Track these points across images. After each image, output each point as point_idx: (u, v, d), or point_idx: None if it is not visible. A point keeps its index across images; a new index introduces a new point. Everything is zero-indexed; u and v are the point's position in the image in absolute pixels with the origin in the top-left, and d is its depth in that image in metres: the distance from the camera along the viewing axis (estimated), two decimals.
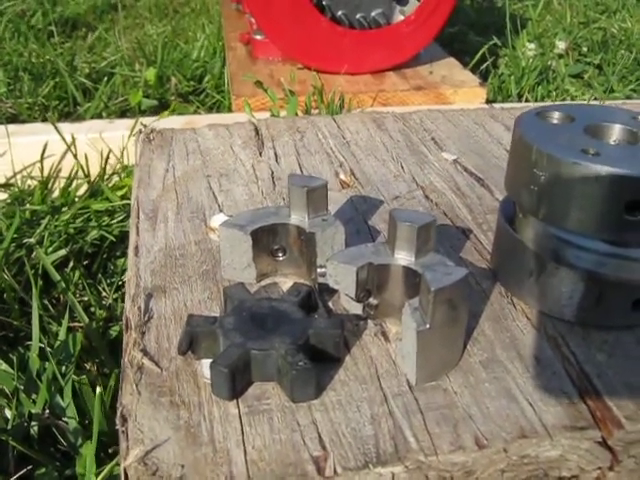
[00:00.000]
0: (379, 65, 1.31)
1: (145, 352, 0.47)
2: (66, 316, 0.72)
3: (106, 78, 1.40)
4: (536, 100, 1.42)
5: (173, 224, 0.60)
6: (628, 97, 1.44)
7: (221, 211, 0.62)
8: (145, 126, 0.87)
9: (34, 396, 0.65)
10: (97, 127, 1.10)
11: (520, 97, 1.41)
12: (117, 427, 0.42)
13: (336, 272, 0.48)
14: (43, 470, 0.61)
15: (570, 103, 0.50)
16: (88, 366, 0.75)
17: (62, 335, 0.71)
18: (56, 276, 0.81)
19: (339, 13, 1.29)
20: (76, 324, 0.80)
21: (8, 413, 0.64)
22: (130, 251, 0.57)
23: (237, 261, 0.52)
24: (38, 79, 1.41)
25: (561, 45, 1.69)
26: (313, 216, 0.52)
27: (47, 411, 0.65)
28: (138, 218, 0.61)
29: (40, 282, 0.83)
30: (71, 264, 0.89)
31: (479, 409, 0.43)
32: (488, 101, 1.32)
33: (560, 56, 1.66)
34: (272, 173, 0.68)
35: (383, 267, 0.48)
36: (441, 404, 0.43)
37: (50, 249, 0.89)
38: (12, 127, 1.08)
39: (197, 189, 0.65)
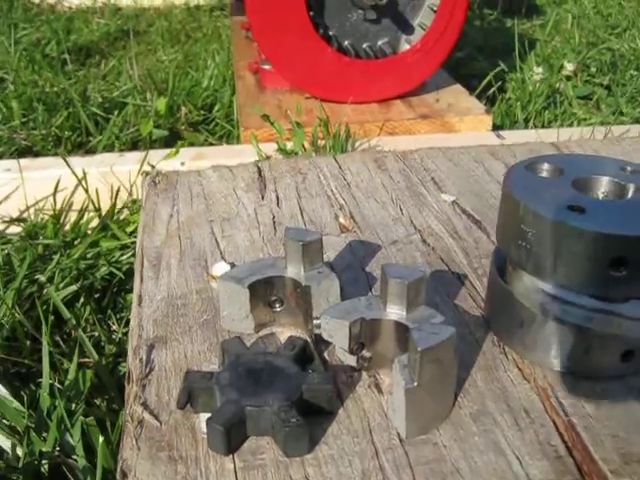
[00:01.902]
0: (386, 94, 1.32)
1: (145, 405, 0.48)
2: (76, 354, 0.73)
3: (118, 108, 1.43)
4: (543, 125, 1.42)
5: (176, 272, 0.62)
6: (637, 120, 1.44)
7: (222, 258, 0.64)
8: (153, 167, 0.89)
9: (45, 434, 0.67)
10: (108, 161, 1.12)
11: (527, 122, 1.42)
12: None
13: (329, 326, 0.49)
14: None
15: (559, 155, 0.51)
16: (98, 402, 0.77)
17: (72, 373, 0.73)
18: (66, 314, 0.83)
19: (346, 43, 1.31)
20: (86, 360, 0.82)
21: (19, 451, 0.65)
22: (134, 300, 0.59)
23: (236, 312, 0.54)
24: (52, 109, 1.44)
25: (569, 67, 1.70)
26: (309, 269, 0.53)
27: (57, 449, 0.66)
28: (142, 265, 0.63)
29: (52, 318, 0.85)
30: (82, 300, 0.91)
31: (467, 463, 0.44)
32: (494, 127, 1.33)
33: (568, 78, 1.67)
34: (273, 218, 0.70)
35: (375, 322, 0.49)
36: (430, 458, 0.44)
37: (61, 285, 0.91)
38: (25, 161, 1.11)
39: (200, 235, 0.67)
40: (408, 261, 0.63)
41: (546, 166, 0.53)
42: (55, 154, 1.23)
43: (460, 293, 0.59)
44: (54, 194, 1.05)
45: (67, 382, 0.73)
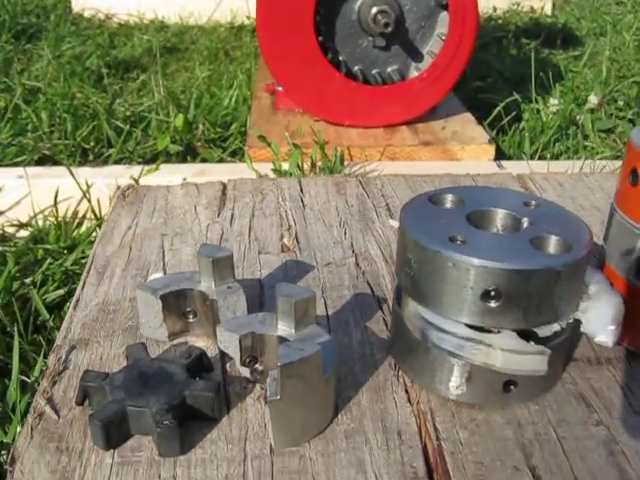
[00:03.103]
0: (392, 120, 1.35)
1: (49, 400, 0.52)
2: (41, 353, 0.78)
3: (141, 122, 1.49)
4: (552, 157, 1.42)
5: (117, 280, 0.66)
6: None
7: (164, 270, 0.67)
8: (136, 181, 0.94)
9: (8, 426, 0.71)
10: (114, 173, 1.18)
11: (535, 154, 1.42)
12: (5, 467, 0.48)
13: (224, 338, 0.52)
14: None
15: (466, 186, 0.53)
16: None
17: (37, 370, 0.78)
18: (45, 315, 0.88)
19: (355, 68, 1.34)
20: None
21: None
22: (71, 304, 0.63)
23: (151, 321, 0.57)
24: (79, 121, 1.51)
25: (594, 100, 1.69)
26: (219, 283, 0.56)
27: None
28: (88, 273, 0.67)
29: (40, 319, 0.90)
30: (67, 304, 0.96)
31: (327, 477, 0.46)
32: (502, 157, 1.34)
33: (591, 111, 1.66)
34: (222, 234, 0.73)
35: (264, 336, 0.52)
36: (293, 469, 0.47)
37: (51, 288, 0.97)
38: (34, 170, 1.17)
39: (149, 247, 0.71)
40: (335, 282, 0.66)
41: (450, 197, 0.55)
42: (66, 164, 1.29)
43: (375, 316, 0.61)
44: (55, 203, 1.11)
45: (32, 378, 0.77)
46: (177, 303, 0.57)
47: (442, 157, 1.28)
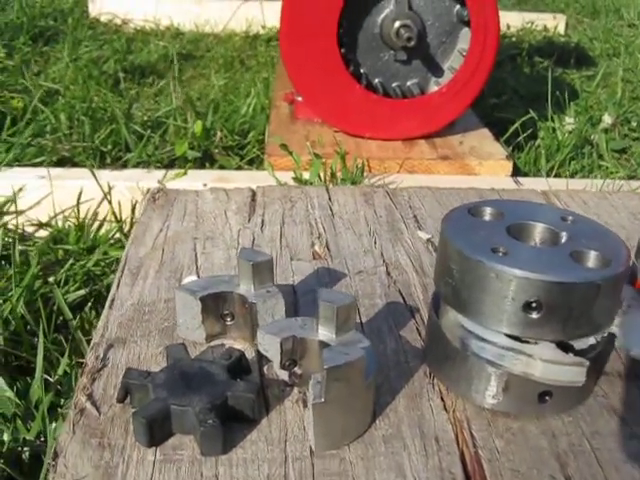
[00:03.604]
0: (410, 133, 1.36)
1: (90, 397, 0.53)
2: (66, 352, 0.79)
3: (159, 127, 1.50)
4: (567, 176, 1.43)
5: (151, 281, 0.67)
6: None
7: (197, 273, 0.68)
8: (162, 184, 0.95)
9: (31, 424, 0.72)
10: (135, 176, 1.19)
11: (551, 171, 1.43)
12: (49, 461, 0.48)
13: (264, 341, 0.53)
14: None
15: (505, 200, 0.54)
16: None
17: (61, 369, 0.78)
18: (68, 314, 0.89)
19: (376, 81, 1.35)
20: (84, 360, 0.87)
21: (5, 437, 0.70)
22: (107, 303, 0.64)
23: (189, 322, 0.58)
24: (97, 124, 1.52)
25: (608, 120, 1.70)
26: (259, 287, 0.57)
27: (42, 438, 0.71)
28: (122, 273, 0.68)
29: (61, 318, 0.91)
30: (89, 304, 0.96)
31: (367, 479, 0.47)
32: (518, 174, 1.35)
33: (605, 131, 1.67)
34: (253, 240, 0.74)
35: (305, 340, 0.53)
36: (334, 472, 0.47)
37: (72, 288, 0.97)
38: (56, 171, 1.18)
39: (182, 250, 0.72)
40: (367, 290, 0.66)
41: (489, 210, 0.56)
42: (86, 166, 1.31)
43: (408, 325, 0.62)
44: (77, 204, 1.12)
45: (56, 377, 0.78)
46: (215, 305, 0.58)
47: (460, 172, 1.29)
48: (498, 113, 1.72)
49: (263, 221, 0.78)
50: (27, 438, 0.70)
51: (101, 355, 0.57)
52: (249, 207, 0.81)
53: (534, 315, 0.48)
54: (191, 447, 0.49)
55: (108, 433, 0.50)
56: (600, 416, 0.53)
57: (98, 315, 0.93)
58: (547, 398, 0.52)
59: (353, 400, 0.48)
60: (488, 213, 0.56)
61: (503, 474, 0.48)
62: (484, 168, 1.30)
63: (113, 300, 0.64)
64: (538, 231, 0.55)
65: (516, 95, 1.91)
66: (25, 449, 0.70)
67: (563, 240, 0.53)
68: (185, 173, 1.02)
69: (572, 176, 1.44)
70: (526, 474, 0.48)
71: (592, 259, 0.50)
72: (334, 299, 0.52)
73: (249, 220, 0.78)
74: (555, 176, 1.41)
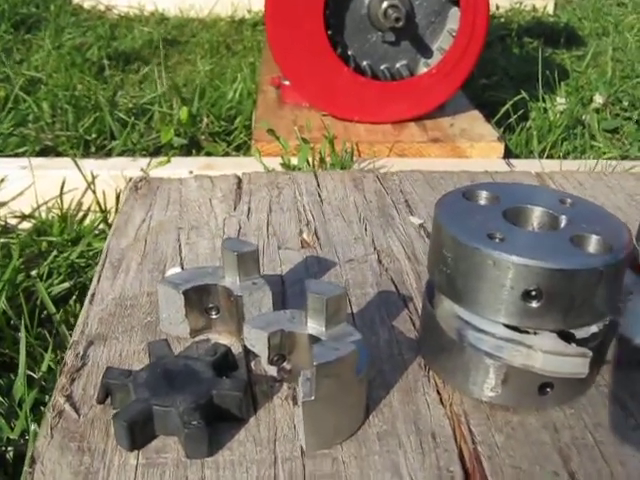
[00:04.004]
0: (400, 116, 1.33)
1: (69, 398, 0.50)
2: (50, 347, 0.76)
3: (144, 114, 1.47)
4: (560, 157, 1.41)
5: (133, 274, 0.64)
6: None
7: (181, 264, 0.66)
8: (145, 172, 0.92)
9: (15, 422, 0.69)
10: (119, 165, 1.16)
11: (543, 153, 1.41)
12: (25, 468, 0.46)
13: (251, 335, 0.50)
14: None
15: (499, 183, 0.51)
16: None
17: (45, 366, 0.76)
18: (52, 308, 0.86)
19: (364, 63, 1.32)
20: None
21: None
22: (87, 298, 0.61)
23: (173, 316, 0.56)
24: (81, 112, 1.48)
25: (599, 99, 1.68)
26: (244, 279, 0.55)
27: (26, 438, 0.68)
28: (103, 266, 0.65)
29: (45, 312, 0.88)
30: (73, 297, 0.94)
31: None
32: (511, 155, 1.33)
33: (597, 111, 1.65)
34: (239, 229, 0.71)
35: (293, 334, 0.50)
36: (326, 472, 0.45)
37: (56, 281, 0.95)
38: (38, 160, 1.15)
39: (165, 240, 0.69)
40: (358, 279, 0.64)
41: (484, 193, 0.54)
42: (69, 155, 1.27)
43: (401, 315, 0.60)
44: (61, 194, 1.09)
45: (40, 373, 0.75)
46: (199, 299, 0.56)
47: (451, 154, 1.27)
48: (488, 94, 1.69)
49: (249, 209, 0.75)
50: (11, 437, 0.68)
51: (81, 353, 0.55)
52: (235, 195, 0.78)
53: (534, 304, 0.46)
54: (175, 449, 0.46)
55: (88, 436, 0.47)
56: (603, 407, 0.51)
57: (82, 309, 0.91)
58: (548, 390, 0.49)
59: (345, 397, 0.46)
60: (483, 197, 0.54)
61: (504, 471, 0.45)
62: (476, 150, 1.28)
63: (93, 295, 0.62)
64: (536, 215, 0.52)
65: (506, 76, 1.89)
66: (9, 449, 0.67)
67: (562, 224, 0.51)
68: (169, 161, 0.99)
69: (564, 157, 1.41)
70: (528, 471, 0.46)
71: (593, 244, 0.48)
72: (323, 290, 0.49)
73: (235, 208, 0.75)
74: (547, 157, 1.39)
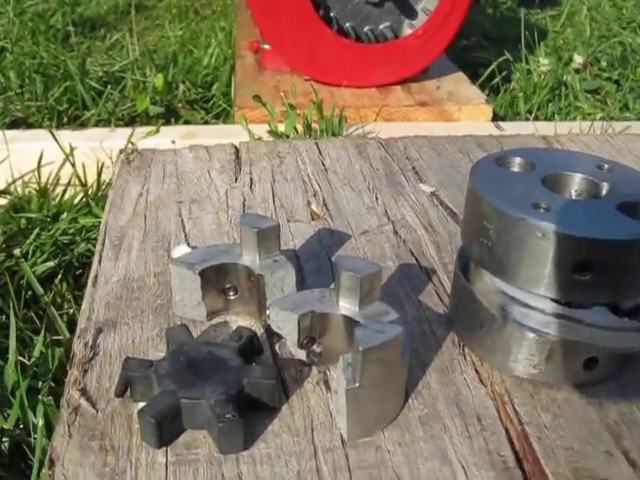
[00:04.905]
0: (385, 79, 1.29)
1: (84, 391, 0.47)
2: (42, 331, 0.72)
3: (117, 82, 1.41)
4: (546, 118, 1.39)
5: (136, 253, 0.60)
6: None
7: (186, 241, 0.62)
8: (133, 144, 0.87)
9: (8, 411, 0.65)
10: (97, 136, 1.10)
11: (529, 114, 1.38)
12: (44, 470, 0.42)
13: (278, 318, 0.47)
14: None
15: (533, 148, 0.49)
16: None
17: (37, 350, 0.71)
18: (39, 289, 0.82)
19: (346, 25, 1.28)
20: (59, 337, 0.80)
21: None
22: (89, 281, 0.57)
23: (187, 299, 0.52)
24: (50, 81, 1.42)
25: (578, 59, 1.66)
26: (264, 257, 0.51)
27: (21, 426, 0.65)
28: (103, 245, 0.61)
29: (30, 293, 0.84)
30: (59, 276, 0.89)
31: (409, 470, 0.42)
32: (496, 118, 1.30)
33: (577, 71, 1.63)
34: (244, 201, 0.67)
35: (325, 316, 0.47)
36: (371, 462, 0.42)
37: (39, 260, 0.90)
38: (12, 133, 1.09)
39: (166, 216, 0.65)
40: (376, 252, 0.61)
41: (518, 160, 0.51)
42: (45, 127, 1.21)
43: (426, 289, 0.57)
44: (38, 168, 1.03)
45: (33, 359, 0.71)
46: (217, 279, 0.52)
47: (439, 118, 1.24)
48: (469, 55, 1.66)
49: (252, 180, 0.71)
50: (5, 427, 0.64)
51: (90, 342, 0.51)
52: (234, 165, 0.74)
53: (585, 277, 0.43)
54: (206, 444, 0.43)
55: (109, 434, 0.44)
56: None
57: (69, 289, 0.86)
58: (593, 365, 0.47)
59: (389, 382, 0.43)
60: (517, 164, 0.51)
61: (556, 453, 0.43)
62: (464, 114, 1.25)
63: (96, 277, 0.57)
64: (575, 182, 0.49)
65: (483, 37, 1.85)
66: (4, 439, 0.63)
67: (604, 191, 0.48)
68: (157, 131, 0.94)
69: (550, 119, 1.39)
70: (581, 451, 0.43)
71: None
72: (357, 268, 0.46)
73: (236, 179, 0.71)
74: (534, 119, 1.36)
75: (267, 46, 1.35)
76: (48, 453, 0.43)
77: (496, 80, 1.43)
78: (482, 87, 1.40)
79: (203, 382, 0.44)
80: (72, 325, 0.80)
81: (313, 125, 1.11)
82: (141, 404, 0.44)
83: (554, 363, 0.47)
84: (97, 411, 0.45)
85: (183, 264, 0.51)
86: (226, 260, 0.52)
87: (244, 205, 0.67)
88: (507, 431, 0.45)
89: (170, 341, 0.48)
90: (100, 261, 0.59)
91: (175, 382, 0.44)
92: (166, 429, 0.42)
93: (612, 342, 0.45)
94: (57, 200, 1.02)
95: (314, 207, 0.67)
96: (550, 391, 0.48)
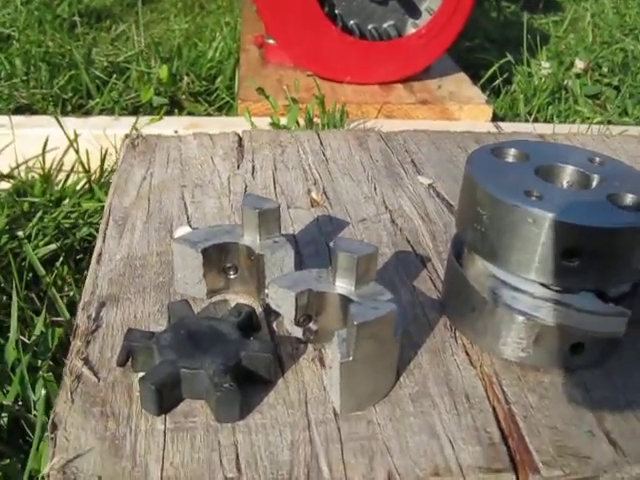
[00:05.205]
0: (387, 77, 1.31)
1: (86, 361, 0.48)
2: (44, 310, 0.73)
3: (121, 73, 1.42)
4: (545, 120, 1.41)
5: (139, 233, 0.62)
6: None
7: (188, 223, 0.63)
8: (137, 130, 0.89)
9: (8, 388, 0.67)
10: (101, 123, 1.12)
11: (529, 116, 1.40)
12: (47, 433, 0.44)
13: (277, 296, 0.49)
14: (7, 462, 0.63)
15: (527, 140, 0.50)
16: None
17: (38, 329, 0.73)
18: (41, 270, 0.83)
19: (351, 23, 1.30)
20: (59, 318, 0.82)
21: None
22: (93, 258, 0.59)
23: (189, 276, 0.53)
24: (55, 70, 1.43)
25: (580, 64, 1.68)
26: (265, 237, 0.53)
27: (20, 403, 0.66)
28: (107, 225, 0.63)
29: (30, 274, 0.85)
30: (61, 259, 0.90)
31: (398, 443, 0.43)
32: (497, 119, 1.32)
33: (578, 75, 1.65)
34: (245, 187, 0.69)
35: (322, 294, 0.48)
36: (362, 435, 0.44)
37: (41, 243, 0.91)
38: (18, 118, 1.10)
39: (170, 199, 0.67)
40: (373, 239, 0.62)
41: (512, 151, 0.52)
42: (50, 113, 1.23)
43: (421, 275, 0.58)
44: (43, 153, 1.05)
45: (33, 338, 0.72)
46: (218, 258, 0.53)
47: (440, 116, 1.25)
48: (471, 56, 1.67)
49: (254, 167, 0.73)
50: (4, 403, 0.65)
51: (93, 315, 0.52)
52: (237, 152, 0.76)
53: (574, 263, 0.45)
54: (204, 413, 0.45)
55: (110, 401, 0.45)
56: (631, 366, 0.51)
57: (70, 271, 0.88)
58: (579, 350, 0.49)
59: (382, 358, 0.45)
60: (511, 154, 0.52)
61: (540, 431, 0.45)
62: (464, 113, 1.26)
63: (100, 254, 0.59)
64: (567, 173, 0.51)
65: (486, 39, 1.87)
66: (3, 415, 0.65)
67: (594, 183, 0.50)
68: (161, 118, 0.96)
69: (549, 121, 1.41)
70: (564, 430, 0.45)
71: (631, 202, 0.47)
72: (354, 249, 0.47)
73: (238, 166, 0.73)
74: (534, 121, 1.38)
75: (271, 41, 1.37)
76: (51, 417, 0.44)
77: (497, 82, 1.45)
78: (483, 88, 1.41)
79: (202, 353, 0.45)
80: (72, 307, 0.82)
81: (315, 119, 1.13)
82: (142, 374, 0.46)
83: (542, 347, 0.49)
84: (99, 379, 0.47)
85: (186, 242, 0.53)
86: (228, 240, 0.53)
87: (245, 191, 0.68)
88: (494, 410, 0.46)
89: (171, 315, 0.50)
90: (104, 239, 0.61)
91: (175, 353, 0.45)
92: (165, 397, 0.44)
93: (598, 327, 0.46)
94: (60, 186, 1.04)
95: (314, 195, 0.68)
96: (537, 374, 0.49)
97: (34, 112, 1.28)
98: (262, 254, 0.52)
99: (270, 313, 0.52)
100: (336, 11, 1.28)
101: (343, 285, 0.48)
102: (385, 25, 1.31)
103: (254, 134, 0.80)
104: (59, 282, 0.87)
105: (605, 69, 1.72)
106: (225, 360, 0.45)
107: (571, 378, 0.49)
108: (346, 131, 0.84)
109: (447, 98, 1.28)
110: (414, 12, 1.30)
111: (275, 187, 0.69)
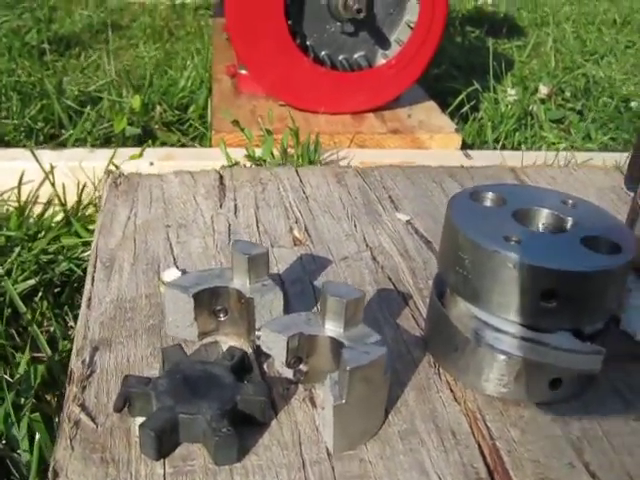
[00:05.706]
0: (359, 107, 1.34)
1: (83, 407, 0.49)
2: (27, 348, 0.74)
3: (93, 102, 1.43)
4: (512, 146, 1.45)
5: (127, 275, 0.63)
6: (605, 146, 1.47)
7: (175, 264, 0.65)
8: (117, 167, 0.90)
9: None
10: (77, 156, 1.12)
11: (496, 143, 1.44)
12: None
13: (268, 339, 0.50)
14: None
15: (503, 184, 0.53)
16: (49, 398, 0.77)
17: (22, 368, 0.73)
18: (22, 307, 0.83)
19: (322, 54, 1.32)
20: (40, 355, 0.82)
21: None
22: (83, 302, 0.60)
23: (180, 320, 0.55)
24: (26, 100, 1.43)
25: (544, 90, 1.72)
26: (254, 281, 0.54)
27: (4, 442, 0.66)
28: (94, 267, 0.64)
29: (9, 310, 0.85)
30: (40, 294, 0.91)
31: None
32: (465, 146, 1.35)
33: (542, 101, 1.70)
34: (229, 226, 0.71)
35: (313, 337, 0.50)
36: (355, 474, 0.46)
37: (20, 278, 0.91)
38: None
39: (155, 239, 0.68)
40: (356, 278, 0.64)
41: (490, 195, 0.55)
42: (24, 145, 1.23)
43: (403, 312, 0.61)
44: (19, 186, 1.05)
45: (17, 376, 0.73)
46: (209, 301, 0.55)
47: (411, 145, 1.28)
48: (439, 84, 1.71)
49: (236, 206, 0.74)
50: None
51: (87, 360, 0.54)
52: (218, 191, 0.77)
53: (551, 304, 0.47)
54: (202, 456, 0.46)
55: (110, 447, 0.47)
56: (606, 399, 0.53)
57: (50, 307, 0.88)
58: (558, 385, 0.51)
59: (372, 398, 0.46)
60: (489, 198, 0.55)
61: (524, 465, 0.47)
62: (435, 142, 1.30)
63: (90, 298, 0.60)
64: (543, 216, 0.54)
65: (453, 65, 1.92)
66: None
67: (569, 225, 0.53)
68: (141, 155, 0.97)
69: (516, 148, 1.45)
70: (546, 464, 0.47)
71: (603, 245, 0.50)
72: (342, 293, 0.49)
73: (221, 205, 0.74)
74: (501, 148, 1.42)
75: (244, 71, 1.39)
76: (51, 465, 0.45)
77: (465, 109, 1.48)
78: (452, 115, 1.45)
79: (199, 399, 0.47)
80: (53, 343, 0.82)
81: (289, 150, 1.15)
82: (139, 419, 0.47)
83: (522, 383, 0.51)
84: (97, 425, 0.48)
85: (177, 287, 0.54)
86: (218, 283, 0.55)
87: (229, 230, 0.70)
88: (479, 445, 0.48)
89: (166, 359, 0.51)
90: (93, 282, 0.62)
91: (173, 398, 0.47)
92: (165, 442, 0.45)
93: (575, 364, 0.49)
94: (36, 219, 1.04)
95: (296, 233, 0.70)
96: (518, 408, 0.52)
97: (7, 144, 1.28)
98: (252, 297, 0.53)
99: (260, 354, 0.54)
100: (308, 42, 1.31)
101: (332, 328, 0.50)
102: (356, 56, 1.34)
103: (235, 172, 0.82)
104: (38, 317, 0.87)
105: (568, 94, 1.77)
106: (221, 405, 0.46)
107: (550, 412, 0.52)
108: (324, 167, 0.86)
109: (417, 127, 1.31)
110: (384, 43, 1.34)
111: (258, 226, 0.71)
